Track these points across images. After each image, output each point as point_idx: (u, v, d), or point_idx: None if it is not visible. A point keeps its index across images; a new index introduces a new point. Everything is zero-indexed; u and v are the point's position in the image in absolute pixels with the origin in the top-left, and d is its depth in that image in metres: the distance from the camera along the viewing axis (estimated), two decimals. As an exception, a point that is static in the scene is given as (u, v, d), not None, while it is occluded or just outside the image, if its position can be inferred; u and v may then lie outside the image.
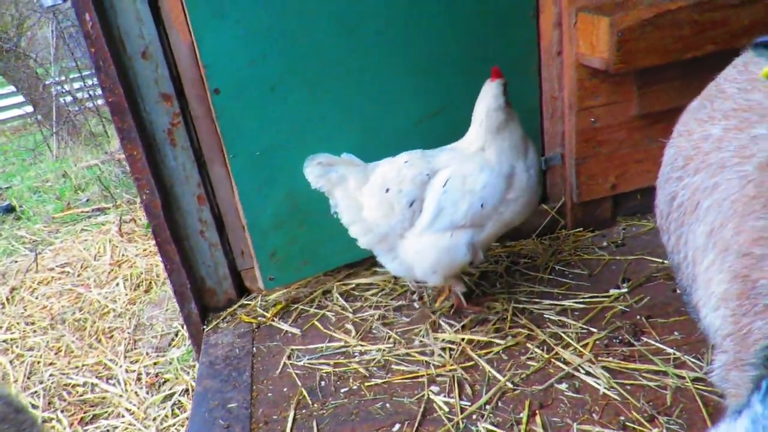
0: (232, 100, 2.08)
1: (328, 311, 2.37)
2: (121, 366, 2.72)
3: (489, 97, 1.98)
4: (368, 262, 2.56)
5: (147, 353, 2.80)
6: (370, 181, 2.02)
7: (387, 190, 1.98)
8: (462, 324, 2.15)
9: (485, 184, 1.95)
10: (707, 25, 2.01)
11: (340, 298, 2.42)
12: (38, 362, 2.84)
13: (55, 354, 2.90)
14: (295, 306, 2.42)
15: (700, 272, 0.97)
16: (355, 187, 2.02)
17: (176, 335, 2.93)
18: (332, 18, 2.10)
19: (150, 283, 3.39)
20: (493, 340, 2.04)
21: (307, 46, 2.10)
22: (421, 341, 2.11)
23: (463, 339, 2.07)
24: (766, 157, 0.85)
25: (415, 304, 2.34)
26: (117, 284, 3.40)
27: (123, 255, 3.70)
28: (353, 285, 2.49)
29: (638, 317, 2.05)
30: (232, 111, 2.10)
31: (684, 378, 1.75)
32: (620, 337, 1.96)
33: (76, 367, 2.79)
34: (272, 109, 2.13)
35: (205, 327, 2.41)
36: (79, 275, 3.59)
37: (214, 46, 2.01)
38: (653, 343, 1.91)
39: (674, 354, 1.85)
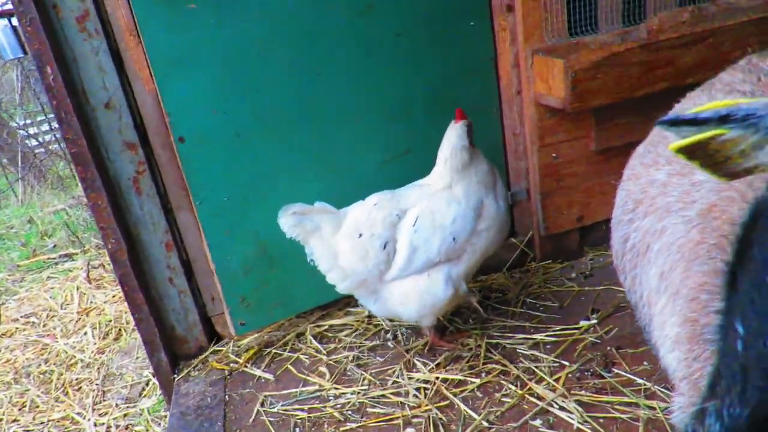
0: (197, 148, 2.08)
1: (302, 354, 2.34)
2: (89, 419, 2.62)
3: (453, 137, 2.03)
4: (341, 302, 2.55)
5: (116, 404, 2.71)
6: (343, 227, 2.03)
7: (360, 235, 1.99)
8: (436, 362, 2.15)
9: (455, 218, 1.98)
10: (655, 65, 2.10)
11: (313, 341, 2.40)
12: (0, 419, 2.73)
13: (19, 410, 2.79)
14: (268, 350, 2.39)
15: (655, 314, 1.00)
16: (330, 234, 2.03)
17: (147, 384, 2.85)
18: (295, 65, 2.13)
19: (120, 330, 3.31)
20: (467, 378, 2.04)
21: (271, 93, 2.13)
22: (395, 381, 2.10)
23: (437, 378, 2.06)
24: (708, 204, 0.89)
25: (390, 344, 2.33)
26: (85, 333, 3.30)
27: (91, 302, 3.61)
28: (327, 326, 2.48)
29: (608, 348, 2.07)
30: (197, 158, 2.10)
31: (655, 409, 1.77)
32: (591, 370, 1.98)
33: (42, 423, 2.68)
34: (238, 155, 2.15)
35: (175, 376, 2.35)
36: (44, 325, 3.48)
37: (178, 95, 2.02)
38: (624, 374, 1.94)
39: (644, 385, 1.87)
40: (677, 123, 0.63)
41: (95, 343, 3.20)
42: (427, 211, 2.00)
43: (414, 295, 2.01)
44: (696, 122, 0.61)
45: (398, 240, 2.00)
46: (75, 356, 3.12)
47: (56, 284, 3.98)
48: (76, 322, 3.44)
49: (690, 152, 0.64)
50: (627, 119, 2.31)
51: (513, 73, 2.36)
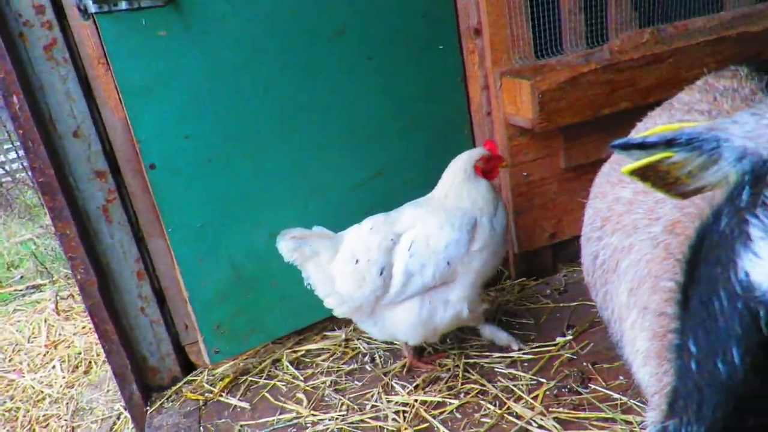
0: (168, 175, 2.06)
1: (279, 381, 2.30)
2: (57, 458, 2.53)
3: (466, 154, 2.07)
4: (318, 326, 2.53)
5: (86, 441, 2.62)
6: (339, 252, 2.02)
7: (357, 261, 1.99)
8: (415, 384, 2.13)
9: (448, 243, 1.98)
10: (618, 85, 2.17)
11: (290, 366, 2.36)
12: (-37, 462, 2.61)
13: (-17, 451, 2.68)
14: (244, 378, 2.34)
15: (626, 329, 1.02)
16: (327, 260, 2.02)
17: (118, 418, 2.76)
18: (266, 89, 2.14)
19: (90, 363, 3.21)
20: (446, 399, 2.03)
21: (243, 118, 2.13)
22: (374, 405, 2.08)
23: (416, 400, 2.05)
24: (672, 220, 0.92)
25: (367, 367, 2.31)
26: (53, 367, 3.19)
27: (60, 335, 3.50)
28: (303, 351, 2.45)
29: (584, 364, 2.09)
30: (169, 185, 2.08)
31: (632, 423, 1.78)
32: (569, 386, 1.99)
33: (7, 464, 2.57)
34: (211, 180, 2.13)
35: (148, 408, 2.29)
36: (10, 360, 3.35)
37: (149, 122, 2.00)
38: (600, 389, 1.95)
39: (621, 399, 1.89)
40: (628, 147, 0.66)
41: (64, 377, 3.09)
42: (421, 236, 2.00)
43: (414, 319, 2.01)
44: (645, 146, 0.64)
45: (394, 265, 1.99)
46: (42, 392, 3.01)
47: (23, 317, 3.85)
48: (44, 355, 3.33)
49: (642, 174, 0.67)
50: (595, 137, 2.37)
51: (482, 95, 2.40)
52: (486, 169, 2.07)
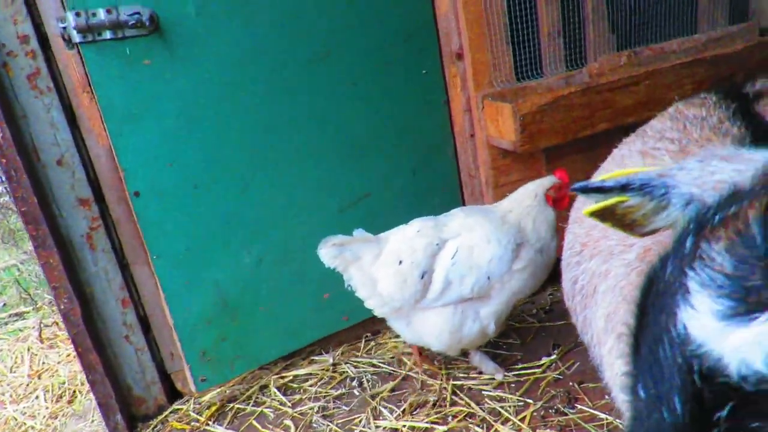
0: (153, 202, 2.06)
1: (266, 408, 2.28)
2: (39, 491, 2.47)
3: (538, 181, 2.11)
4: (305, 351, 2.52)
5: (70, 473, 2.57)
6: (383, 254, 2.03)
7: (400, 262, 1.99)
8: (402, 409, 2.12)
9: (492, 257, 1.98)
10: (597, 106, 2.21)
11: (278, 393, 2.34)
12: (-58, 498, 2.54)
13: (-37, 486, 2.61)
14: (231, 405, 2.32)
15: (605, 354, 1.03)
16: (370, 263, 2.03)
17: (103, 448, 2.71)
18: (250, 114, 2.16)
19: (74, 392, 3.14)
20: (434, 425, 2.02)
21: (227, 144, 2.14)
22: (362, 431, 2.06)
23: (404, 426, 2.04)
24: (644, 248, 0.93)
25: (355, 391, 2.29)
26: (36, 397, 3.13)
27: (44, 364, 3.44)
28: (291, 377, 2.43)
29: (571, 384, 2.10)
30: (153, 212, 2.07)
31: (618, 444, 1.79)
32: (555, 407, 2.00)
33: (-12, 499, 2.51)
34: (195, 207, 2.13)
35: (133, 438, 2.26)
36: (-8, 391, 3.29)
37: (133, 149, 2.01)
38: (587, 409, 1.96)
39: (607, 419, 1.90)
40: (587, 190, 0.69)
41: (47, 408, 3.03)
42: (465, 245, 2.00)
43: (443, 326, 2.02)
44: (602, 190, 0.67)
45: (435, 270, 2.00)
46: (25, 423, 2.94)
47: (5, 346, 3.79)
48: (27, 386, 3.27)
49: (601, 216, 0.70)
50: (576, 158, 2.40)
51: (465, 118, 2.43)
52: (557, 198, 2.09)
